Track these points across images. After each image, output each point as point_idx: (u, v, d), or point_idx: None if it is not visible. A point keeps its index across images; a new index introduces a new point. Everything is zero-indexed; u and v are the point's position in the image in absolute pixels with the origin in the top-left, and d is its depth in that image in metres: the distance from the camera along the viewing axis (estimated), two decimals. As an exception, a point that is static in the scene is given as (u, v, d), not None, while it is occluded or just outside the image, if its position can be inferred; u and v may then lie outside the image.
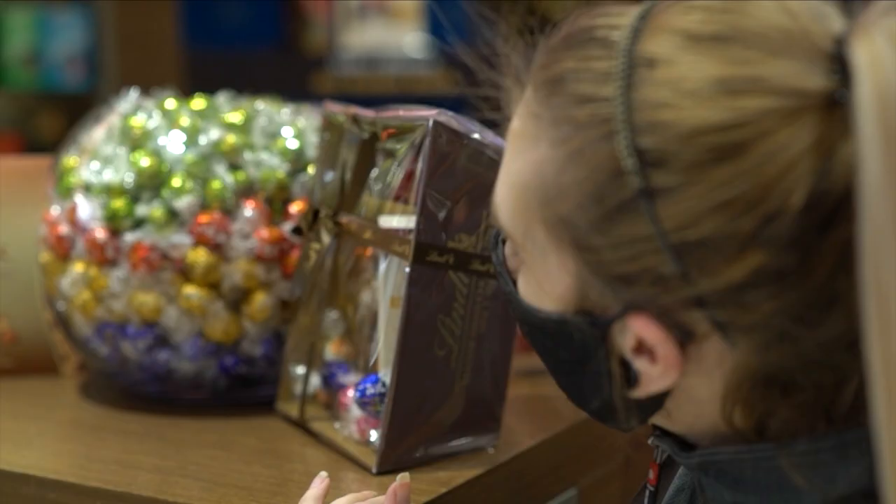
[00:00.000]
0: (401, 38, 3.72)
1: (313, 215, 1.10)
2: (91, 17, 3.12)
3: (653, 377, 0.66)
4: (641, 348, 0.66)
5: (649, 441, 0.77)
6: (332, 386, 1.11)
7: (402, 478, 0.89)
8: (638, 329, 0.65)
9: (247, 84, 1.33)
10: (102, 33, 3.12)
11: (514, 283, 0.73)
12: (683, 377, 0.67)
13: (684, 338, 0.65)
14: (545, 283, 0.69)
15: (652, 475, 0.80)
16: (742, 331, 0.63)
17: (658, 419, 0.72)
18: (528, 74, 0.70)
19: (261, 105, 1.21)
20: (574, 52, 0.66)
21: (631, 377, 0.68)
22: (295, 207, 1.15)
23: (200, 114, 1.19)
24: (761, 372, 0.65)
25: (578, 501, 1.15)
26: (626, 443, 1.10)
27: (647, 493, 0.80)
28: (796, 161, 0.60)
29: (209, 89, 1.28)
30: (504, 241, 0.78)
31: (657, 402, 0.69)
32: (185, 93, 1.26)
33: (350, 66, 3.54)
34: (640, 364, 0.67)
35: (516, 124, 0.70)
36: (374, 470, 0.99)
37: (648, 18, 0.65)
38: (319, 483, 0.91)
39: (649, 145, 0.62)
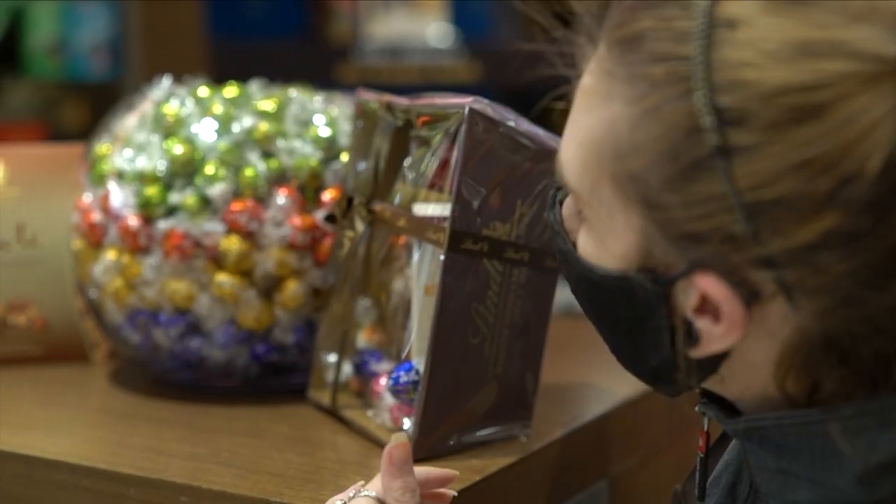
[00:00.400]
0: (425, 27, 3.72)
1: (347, 203, 1.10)
2: (116, 6, 3.12)
3: (714, 336, 0.67)
4: (704, 308, 0.67)
5: (696, 408, 0.78)
6: (364, 374, 1.11)
7: (398, 437, 0.83)
8: (704, 287, 0.66)
9: (271, 74, 1.32)
10: (127, 23, 3.13)
11: (573, 243, 0.74)
12: (743, 339, 0.67)
13: (749, 298, 0.66)
14: (609, 240, 0.70)
15: (701, 443, 0.81)
16: (808, 293, 0.64)
17: (710, 384, 0.73)
18: (601, 32, 0.71)
19: (293, 93, 1.21)
20: (652, 12, 0.67)
21: (692, 337, 0.68)
22: (328, 195, 1.15)
23: (233, 101, 1.19)
24: (821, 337, 0.66)
25: (609, 490, 1.14)
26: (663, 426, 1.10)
27: (698, 459, 0.81)
28: (875, 125, 0.60)
29: (234, 79, 1.28)
30: (560, 202, 0.79)
31: (713, 364, 0.70)
32: (211, 82, 1.26)
33: (374, 55, 3.54)
34: (701, 323, 0.68)
35: (587, 81, 0.71)
36: (408, 458, 0.99)
37: None
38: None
39: (728, 104, 0.63)
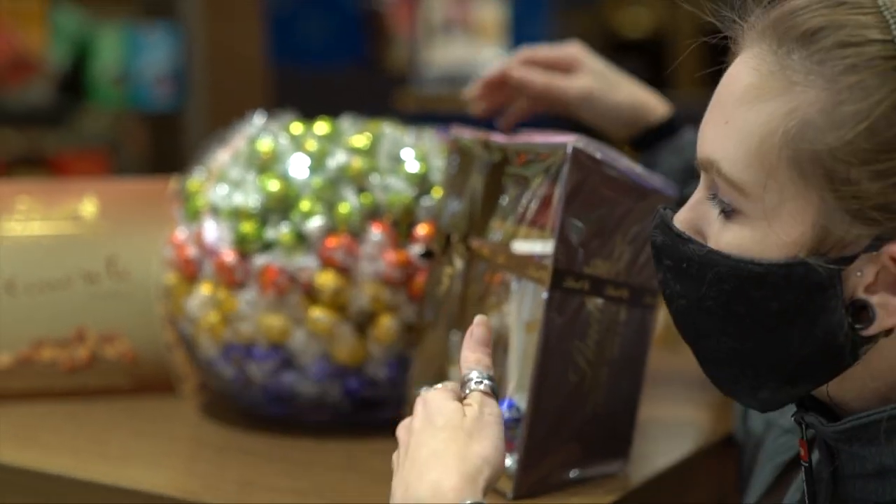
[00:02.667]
0: (482, 54, 3.74)
1: (445, 240, 1.11)
2: (179, 36, 3.16)
3: (893, 309, 0.71)
4: (879, 283, 0.71)
5: (792, 417, 0.81)
6: (459, 409, 1.11)
7: (481, 318, 0.88)
8: None
9: (331, 101, 1.34)
10: (190, 52, 3.17)
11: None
12: None
13: None
14: (774, 229, 0.73)
15: (803, 452, 0.82)
16: None
17: (830, 385, 0.76)
18: (756, 33, 0.76)
19: (385, 129, 1.22)
20: (820, 10, 0.73)
21: (867, 315, 0.72)
22: (420, 230, 1.16)
23: (326, 137, 1.20)
24: None
25: (704, 528, 1.14)
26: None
27: (804, 469, 0.83)
28: None
29: (294, 107, 1.29)
30: (668, 217, 0.80)
31: (869, 345, 0.73)
32: (271, 110, 1.28)
33: (432, 83, 3.56)
34: (877, 299, 0.71)
35: (749, 79, 0.75)
36: (509, 495, 0.99)
37: None
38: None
39: None
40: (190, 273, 1.20)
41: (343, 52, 3.60)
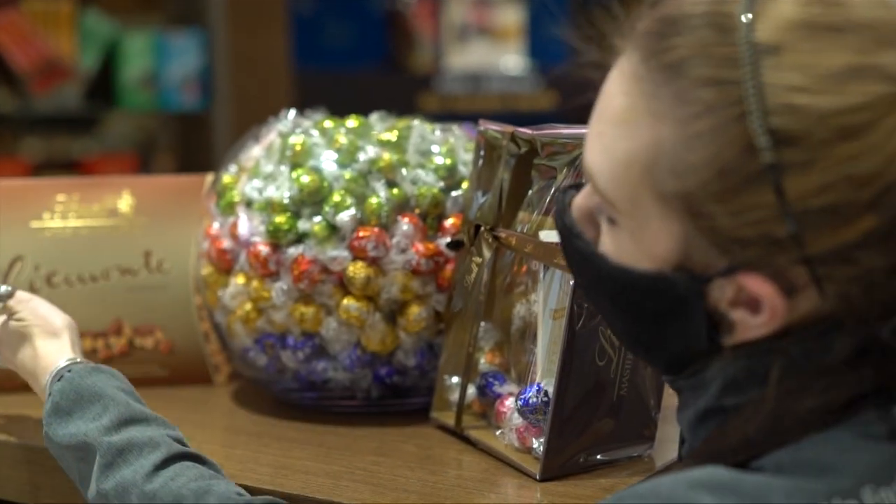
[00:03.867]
0: (503, 57, 3.77)
1: (475, 230, 1.14)
2: (205, 40, 3.21)
3: (750, 326, 0.73)
4: (738, 300, 0.73)
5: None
6: (488, 395, 1.14)
7: None
8: (748, 285, 0.72)
9: (355, 103, 1.37)
10: (216, 55, 3.21)
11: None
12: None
13: (788, 291, 0.71)
14: (643, 243, 0.75)
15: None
16: (839, 284, 0.70)
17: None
18: (633, 55, 0.74)
19: (414, 123, 1.25)
20: (686, 38, 0.72)
21: (723, 327, 0.75)
22: (449, 222, 1.19)
23: (355, 132, 1.24)
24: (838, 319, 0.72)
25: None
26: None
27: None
28: None
29: (319, 108, 1.33)
30: (569, 205, 0.82)
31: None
32: (298, 112, 1.31)
33: (455, 84, 3.59)
34: (737, 314, 0.74)
35: (622, 100, 0.74)
36: (538, 476, 1.02)
37: (757, 5, 0.71)
38: None
39: (781, 125, 0.69)
40: (225, 265, 1.24)
41: (366, 55, 3.64)
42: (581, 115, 1.25)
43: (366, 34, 3.64)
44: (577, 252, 0.82)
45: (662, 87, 0.72)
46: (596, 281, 0.81)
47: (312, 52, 3.54)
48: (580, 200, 0.81)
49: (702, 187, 0.71)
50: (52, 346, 1.09)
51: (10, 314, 1.12)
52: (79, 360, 1.08)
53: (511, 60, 3.80)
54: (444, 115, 1.30)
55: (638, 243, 0.75)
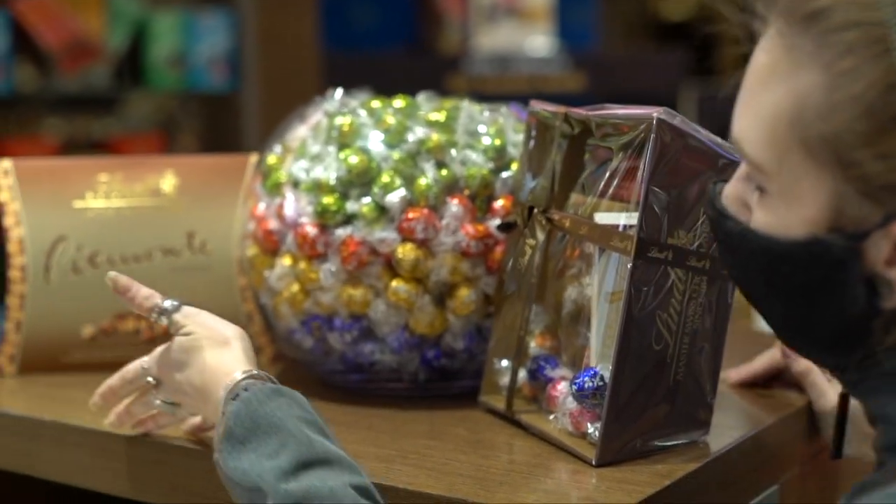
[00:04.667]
0: (531, 38, 3.74)
1: (528, 212, 1.12)
2: (234, 20, 3.19)
3: None
4: (894, 259, 0.73)
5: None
6: (539, 379, 1.13)
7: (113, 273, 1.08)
8: None
9: (382, 84, 1.36)
10: (244, 36, 3.20)
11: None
12: None
13: None
14: (795, 207, 0.76)
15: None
16: None
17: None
18: (775, 12, 0.77)
19: (463, 103, 1.24)
20: None
21: (882, 291, 0.74)
22: (499, 204, 1.18)
23: (403, 112, 1.22)
24: None
25: (780, 497, 1.15)
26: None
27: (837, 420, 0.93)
28: None
29: (347, 88, 1.31)
30: (720, 193, 0.84)
31: None
32: (324, 92, 1.29)
33: (483, 65, 3.57)
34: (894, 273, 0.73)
35: (765, 59, 0.77)
36: (594, 462, 1.01)
37: None
38: None
39: None
40: (271, 245, 1.22)
41: (394, 36, 3.62)
42: (609, 97, 1.24)
43: (394, 15, 3.62)
44: (729, 233, 0.82)
45: (803, 36, 0.74)
46: (749, 259, 0.81)
47: (341, 34, 3.52)
48: (730, 187, 0.83)
49: (848, 130, 0.72)
50: (224, 357, 1.00)
51: (177, 329, 1.04)
52: (255, 372, 0.98)
53: (539, 41, 3.77)
54: (471, 97, 1.28)
55: (789, 207, 0.76)
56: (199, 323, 1.03)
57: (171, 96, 3.31)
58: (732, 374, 1.23)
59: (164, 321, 1.04)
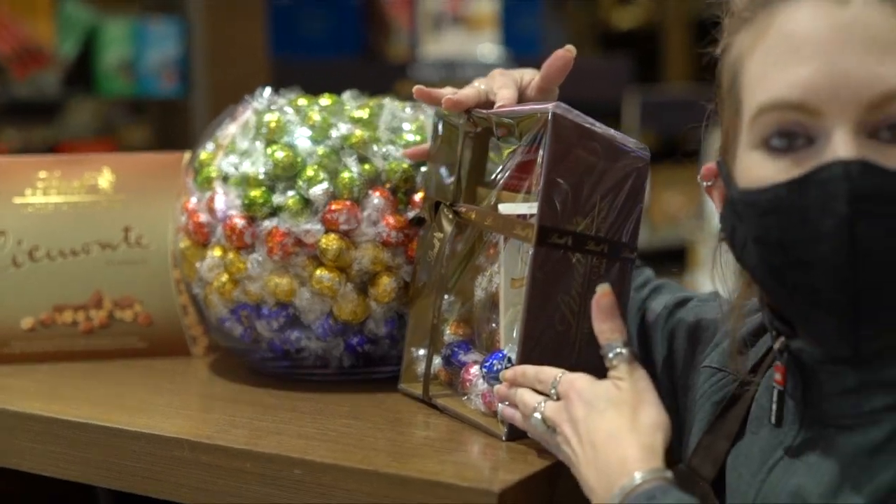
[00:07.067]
0: (478, 45, 3.82)
1: (434, 206, 1.19)
2: (183, 27, 3.24)
3: None
4: None
5: (776, 346, 0.92)
6: (453, 364, 1.19)
7: (602, 287, 1.01)
8: None
9: (332, 90, 1.42)
10: (194, 43, 3.25)
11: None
12: None
13: None
14: None
15: (779, 377, 0.93)
16: None
17: None
18: None
19: (385, 101, 1.30)
20: None
21: None
22: (419, 196, 1.24)
23: (328, 110, 1.28)
24: None
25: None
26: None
27: (776, 392, 0.93)
28: None
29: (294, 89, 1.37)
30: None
31: None
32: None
33: (430, 72, 3.64)
34: None
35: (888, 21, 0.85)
36: (504, 437, 1.07)
37: None
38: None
39: None
40: (202, 238, 1.28)
41: (343, 43, 3.68)
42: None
43: (342, 22, 3.68)
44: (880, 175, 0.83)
45: None
46: None
47: (290, 41, 3.57)
48: (862, 153, 0.84)
49: None
50: (633, 440, 0.91)
51: (615, 375, 0.98)
52: (663, 476, 0.90)
53: (486, 48, 3.85)
54: (419, 102, 1.34)
55: None
56: (635, 385, 0.96)
57: (120, 102, 3.36)
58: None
59: (613, 361, 0.98)
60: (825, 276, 0.84)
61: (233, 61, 3.26)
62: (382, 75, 3.54)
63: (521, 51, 3.99)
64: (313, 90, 1.38)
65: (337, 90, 1.38)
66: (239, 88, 1.38)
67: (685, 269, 3.72)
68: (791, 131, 0.87)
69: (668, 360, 1.17)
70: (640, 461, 0.89)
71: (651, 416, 0.94)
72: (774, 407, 0.92)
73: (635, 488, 0.88)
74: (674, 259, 3.75)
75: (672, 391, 1.14)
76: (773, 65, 0.88)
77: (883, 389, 0.88)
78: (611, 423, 0.93)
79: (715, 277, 1.02)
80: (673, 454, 0.99)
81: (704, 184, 0.99)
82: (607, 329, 1.00)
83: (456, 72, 3.68)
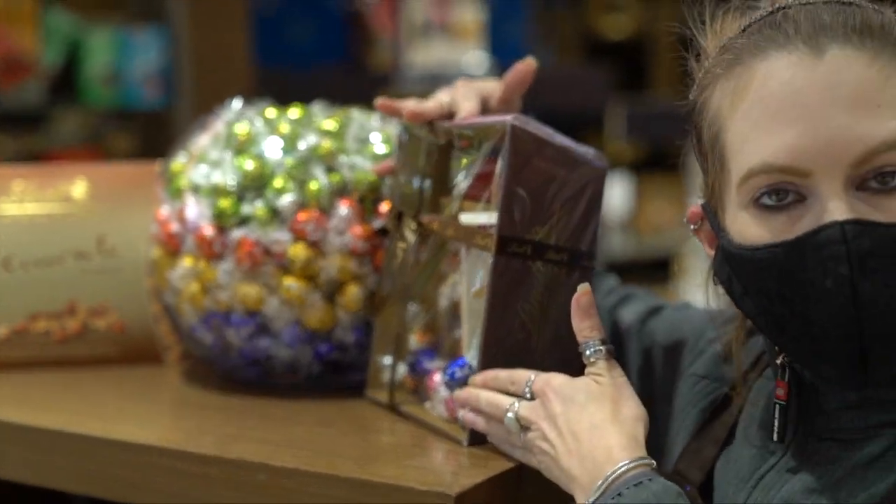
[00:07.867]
0: (463, 55, 3.84)
1: (397, 217, 1.21)
2: (167, 37, 3.26)
3: None
4: None
5: (779, 361, 0.93)
6: (418, 371, 1.21)
7: (583, 287, 1.02)
8: None
9: (316, 99, 1.44)
10: (178, 53, 3.27)
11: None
12: None
13: None
14: None
15: (782, 392, 0.94)
16: None
17: None
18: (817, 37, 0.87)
19: (353, 113, 1.33)
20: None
21: None
22: (385, 207, 1.26)
23: (298, 121, 1.31)
24: None
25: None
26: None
27: (778, 407, 0.94)
28: None
29: (280, 105, 1.39)
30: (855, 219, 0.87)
31: None
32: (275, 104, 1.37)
33: (414, 82, 3.66)
34: None
35: (867, 73, 0.86)
36: (465, 443, 1.09)
37: None
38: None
39: None
40: (173, 247, 1.30)
41: (327, 53, 3.70)
42: (539, 112, 1.32)
43: (326, 32, 3.70)
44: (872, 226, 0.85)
45: (881, 47, 0.87)
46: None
47: (274, 51, 3.59)
48: (856, 209, 0.85)
49: None
50: (615, 430, 0.94)
51: (593, 371, 1.00)
52: (649, 463, 0.93)
53: (471, 58, 3.87)
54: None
55: None
56: (614, 380, 0.99)
57: (104, 113, 3.37)
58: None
59: (591, 358, 1.00)
60: (830, 332, 0.86)
61: (217, 71, 3.28)
62: (366, 85, 3.56)
63: (507, 59, 3.99)
64: (298, 99, 1.40)
65: (320, 99, 1.40)
66: (223, 98, 1.40)
67: (671, 278, 3.74)
68: (781, 189, 0.88)
69: (643, 369, 1.19)
70: (625, 449, 0.92)
71: (632, 409, 0.97)
72: (777, 423, 0.93)
73: (622, 474, 0.91)
74: (660, 269, 3.77)
75: (648, 400, 1.16)
76: (756, 128, 0.88)
77: (883, 406, 0.90)
78: (593, 416, 0.95)
79: (708, 296, 1.04)
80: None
81: (691, 226, 0.99)
82: (586, 327, 1.01)
83: (440, 81, 3.70)
